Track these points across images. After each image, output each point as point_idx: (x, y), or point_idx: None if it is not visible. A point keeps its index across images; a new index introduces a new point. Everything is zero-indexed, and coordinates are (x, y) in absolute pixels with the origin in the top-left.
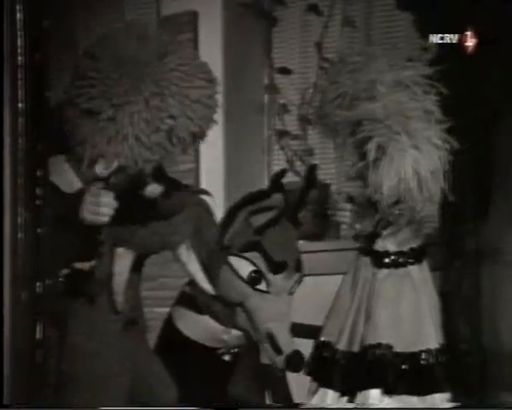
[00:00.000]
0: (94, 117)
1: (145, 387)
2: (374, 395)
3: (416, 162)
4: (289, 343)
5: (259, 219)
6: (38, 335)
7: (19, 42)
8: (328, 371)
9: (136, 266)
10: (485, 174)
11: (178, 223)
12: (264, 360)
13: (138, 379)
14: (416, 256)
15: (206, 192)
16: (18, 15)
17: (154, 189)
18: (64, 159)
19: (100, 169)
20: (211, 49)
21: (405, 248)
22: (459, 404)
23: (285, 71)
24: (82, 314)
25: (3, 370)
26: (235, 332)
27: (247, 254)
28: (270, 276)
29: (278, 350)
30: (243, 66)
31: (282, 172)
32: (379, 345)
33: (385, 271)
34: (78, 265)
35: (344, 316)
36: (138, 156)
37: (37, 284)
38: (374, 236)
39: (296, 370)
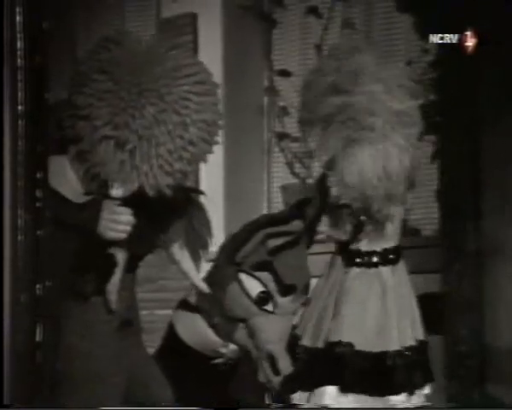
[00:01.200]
0: (115, 144)
1: (140, 387)
2: (330, 393)
3: (377, 160)
4: (288, 366)
5: (275, 241)
6: (38, 336)
7: (18, 44)
8: (293, 366)
9: (131, 267)
10: (482, 174)
11: (170, 222)
12: (261, 378)
13: (133, 380)
14: (388, 257)
15: (200, 192)
16: (18, 18)
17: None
18: (68, 165)
19: (115, 191)
20: (210, 52)
21: (378, 249)
22: (455, 404)
23: (285, 73)
24: (76, 315)
25: (3, 371)
26: (233, 346)
27: (257, 274)
28: (278, 298)
29: (276, 371)
30: (243, 68)
31: (305, 201)
32: (340, 342)
33: (356, 270)
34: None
35: (312, 313)
36: (161, 183)
37: (37, 285)
38: (350, 242)
39: (291, 393)
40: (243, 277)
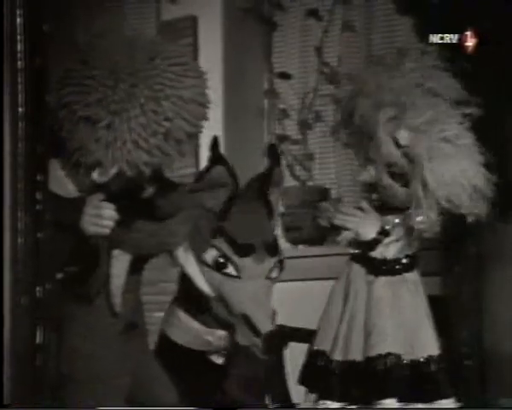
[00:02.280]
0: (91, 124)
1: (146, 391)
2: (389, 406)
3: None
4: (267, 324)
5: (218, 206)
6: (38, 338)
7: (19, 46)
8: (325, 381)
9: (136, 269)
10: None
11: (175, 225)
12: (243, 341)
13: (138, 382)
14: (410, 263)
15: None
16: (18, 20)
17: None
18: (58, 165)
19: (97, 176)
20: (211, 54)
21: (401, 255)
22: (460, 405)
23: (285, 76)
24: (80, 317)
25: (3, 373)
26: (218, 332)
27: (213, 242)
28: (236, 259)
29: (256, 331)
30: (243, 70)
31: (215, 140)
32: (389, 355)
33: (382, 278)
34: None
35: (336, 325)
36: (138, 160)
37: (37, 288)
38: (375, 243)
39: (275, 350)
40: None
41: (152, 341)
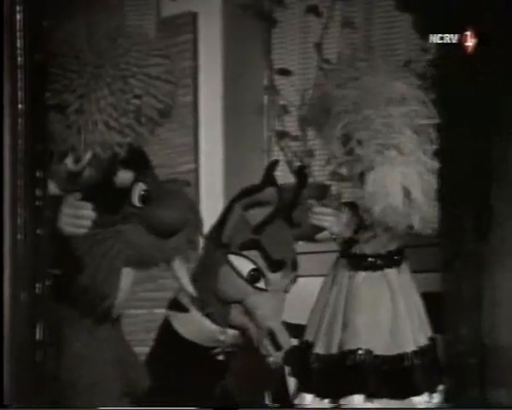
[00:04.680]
0: (61, 111)
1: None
2: (357, 401)
3: (405, 180)
4: (288, 340)
5: (256, 218)
6: (38, 335)
7: (18, 42)
8: (306, 374)
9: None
10: (483, 175)
11: (175, 239)
12: (265, 352)
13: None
14: (393, 259)
15: (187, 184)
16: (18, 16)
17: (124, 177)
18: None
19: (72, 164)
20: (210, 50)
21: (383, 251)
22: (454, 404)
23: (285, 72)
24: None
25: (3, 370)
26: (231, 332)
27: (246, 253)
28: (268, 274)
29: (278, 346)
30: (243, 67)
31: (274, 164)
32: (359, 350)
33: (362, 273)
34: None
35: (320, 318)
36: (110, 141)
37: (37, 285)
38: (352, 241)
39: (294, 365)
40: (232, 258)
41: (151, 337)
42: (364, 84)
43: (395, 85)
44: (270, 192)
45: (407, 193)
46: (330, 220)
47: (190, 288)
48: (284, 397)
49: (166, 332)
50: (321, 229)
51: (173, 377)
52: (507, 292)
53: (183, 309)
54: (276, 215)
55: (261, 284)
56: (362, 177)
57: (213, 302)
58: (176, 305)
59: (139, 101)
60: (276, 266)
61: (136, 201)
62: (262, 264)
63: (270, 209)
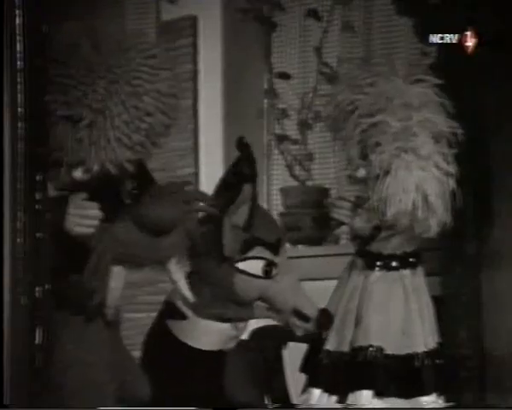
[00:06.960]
0: (71, 123)
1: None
2: (365, 397)
3: (422, 184)
4: (313, 309)
5: (239, 217)
6: (38, 339)
7: (18, 46)
8: (316, 369)
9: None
10: (485, 178)
11: (170, 239)
12: (299, 332)
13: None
14: (409, 261)
15: (188, 183)
16: (17, 20)
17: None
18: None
19: (80, 174)
20: (210, 54)
21: (399, 252)
22: (455, 404)
23: (284, 76)
24: (70, 321)
25: (3, 374)
26: (240, 324)
27: (249, 254)
28: (275, 259)
29: (306, 319)
30: (243, 70)
31: (241, 139)
32: (370, 347)
33: (377, 273)
34: None
35: (334, 315)
36: (121, 158)
37: (37, 288)
38: (369, 238)
39: (327, 327)
40: (241, 265)
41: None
42: (382, 89)
43: (413, 90)
44: (248, 189)
45: (424, 197)
46: (351, 216)
47: (188, 292)
48: (284, 397)
49: (166, 339)
50: (339, 224)
51: (176, 385)
52: (507, 294)
53: (181, 316)
54: (256, 207)
55: (274, 272)
56: (378, 180)
57: (232, 307)
58: (172, 311)
59: (151, 118)
60: (276, 248)
61: (125, 197)
62: (267, 254)
63: (248, 204)
